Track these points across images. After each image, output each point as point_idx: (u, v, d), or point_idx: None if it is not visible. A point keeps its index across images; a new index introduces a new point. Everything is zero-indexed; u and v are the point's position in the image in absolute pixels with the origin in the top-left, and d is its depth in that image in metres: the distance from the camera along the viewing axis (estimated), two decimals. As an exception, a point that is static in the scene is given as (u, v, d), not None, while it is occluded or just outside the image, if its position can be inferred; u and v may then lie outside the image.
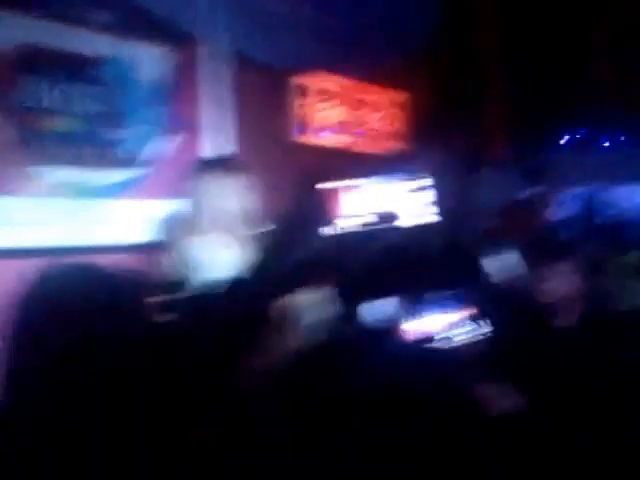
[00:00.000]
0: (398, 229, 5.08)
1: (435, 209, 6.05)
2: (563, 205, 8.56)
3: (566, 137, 8.92)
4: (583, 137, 8.88)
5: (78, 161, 4.32)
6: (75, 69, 4.31)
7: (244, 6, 5.04)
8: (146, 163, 4.71)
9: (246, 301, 2.67)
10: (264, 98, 5.81)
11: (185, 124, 5.02)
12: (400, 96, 7.03)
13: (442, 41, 7.13)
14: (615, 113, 8.17)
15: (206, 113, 5.17)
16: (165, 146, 4.86)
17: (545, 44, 8.20)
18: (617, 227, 6.89)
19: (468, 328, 3.52)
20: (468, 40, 7.80)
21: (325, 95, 6.21)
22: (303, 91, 6.03)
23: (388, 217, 5.20)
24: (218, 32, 5.03)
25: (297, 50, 5.58)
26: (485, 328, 3.24)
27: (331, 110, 6.24)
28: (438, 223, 5.95)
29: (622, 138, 8.63)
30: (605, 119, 8.43)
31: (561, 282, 4.55)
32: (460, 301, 3.89)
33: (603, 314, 3.96)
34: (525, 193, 7.94)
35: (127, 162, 4.60)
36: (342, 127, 6.40)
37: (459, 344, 3.64)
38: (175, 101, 4.94)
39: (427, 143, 6.89)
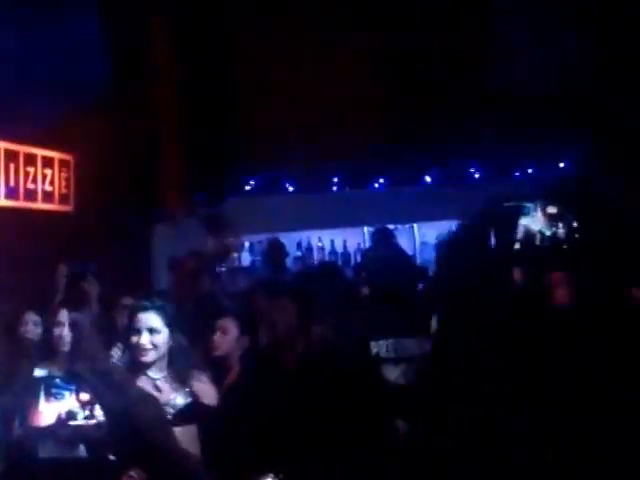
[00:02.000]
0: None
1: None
2: (247, 252, 8.86)
3: (250, 183, 9.23)
4: (266, 183, 9.23)
5: None
6: None
7: None
8: None
9: None
10: None
11: None
12: (69, 156, 7.00)
13: (114, 96, 7.12)
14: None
15: None
16: None
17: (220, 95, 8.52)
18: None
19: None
20: (141, 93, 7.85)
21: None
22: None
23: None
24: None
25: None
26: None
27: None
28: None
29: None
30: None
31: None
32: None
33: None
34: (207, 243, 8.11)
35: None
36: (9, 187, 6.20)
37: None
38: None
39: (96, 202, 6.90)
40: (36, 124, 6.11)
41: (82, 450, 4.02)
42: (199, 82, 8.29)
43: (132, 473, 3.78)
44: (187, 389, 3.74)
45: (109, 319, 5.49)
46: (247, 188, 9.19)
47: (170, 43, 8.29)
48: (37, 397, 3.68)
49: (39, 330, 5.01)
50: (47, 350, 4.63)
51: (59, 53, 6.11)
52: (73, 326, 4.42)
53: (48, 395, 3.06)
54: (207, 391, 3.80)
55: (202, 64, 8.29)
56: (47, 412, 3.64)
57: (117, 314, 5.43)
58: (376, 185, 9.33)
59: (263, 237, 8.59)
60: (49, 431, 3.87)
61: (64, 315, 4.66)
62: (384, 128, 8.34)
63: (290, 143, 8.38)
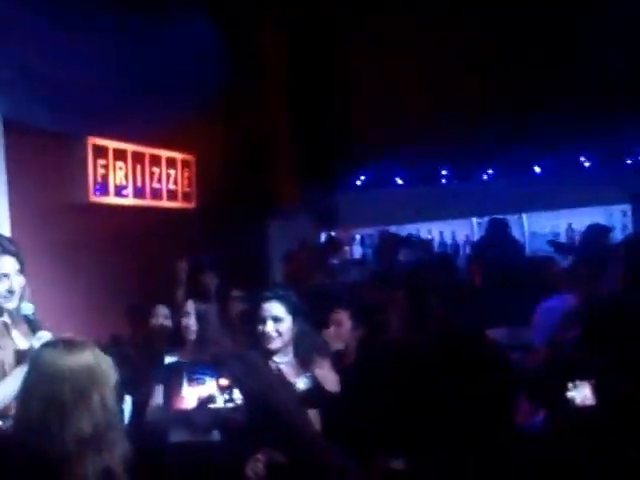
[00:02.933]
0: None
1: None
2: (357, 245, 9.03)
3: (360, 178, 9.38)
4: (376, 177, 9.35)
5: None
6: None
7: (22, 77, 5.06)
8: None
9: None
10: (56, 163, 5.86)
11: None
12: (191, 156, 7.33)
13: (231, 98, 7.37)
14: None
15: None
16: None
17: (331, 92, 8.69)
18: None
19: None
20: (256, 93, 8.10)
21: (121, 156, 6.36)
22: (101, 152, 6.14)
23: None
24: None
25: (88, 114, 5.68)
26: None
27: (126, 171, 6.39)
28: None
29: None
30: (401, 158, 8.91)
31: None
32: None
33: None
34: (319, 237, 8.35)
35: None
36: (137, 187, 6.57)
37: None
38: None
39: (215, 200, 7.20)
40: (160, 127, 6.40)
41: (215, 435, 4.27)
42: (311, 81, 8.47)
43: (259, 456, 4.00)
44: (309, 375, 3.94)
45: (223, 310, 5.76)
46: (358, 182, 9.35)
47: (282, 43, 8.51)
48: (179, 383, 3.91)
49: (168, 321, 5.33)
50: (176, 339, 4.93)
51: (179, 58, 6.38)
52: (199, 316, 4.69)
53: (190, 380, 3.21)
54: (328, 377, 3.95)
55: (313, 62, 8.46)
56: (189, 396, 3.86)
57: (229, 305, 5.70)
58: (485, 177, 9.33)
59: (374, 230, 8.75)
60: (184, 416, 4.13)
61: (191, 306, 4.94)
62: (493, 120, 8.32)
63: (400, 137, 8.46)
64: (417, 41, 8.36)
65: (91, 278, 5.97)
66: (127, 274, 5.75)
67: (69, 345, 2.74)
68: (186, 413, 4.00)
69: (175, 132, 6.67)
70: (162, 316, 5.39)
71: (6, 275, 3.37)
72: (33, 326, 3.35)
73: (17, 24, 4.95)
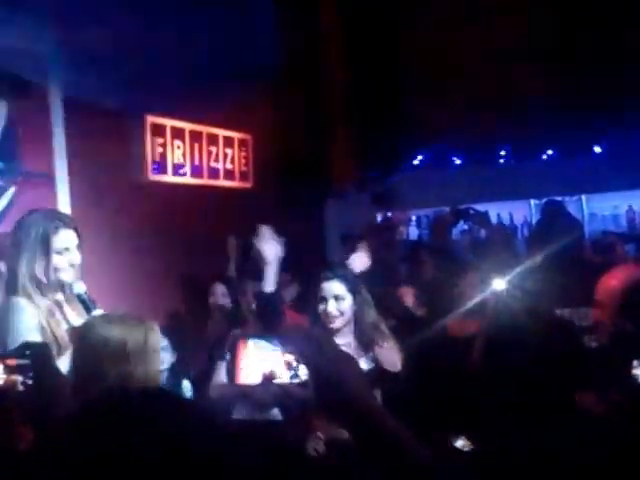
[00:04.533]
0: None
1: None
2: (415, 226, 8.98)
3: (418, 158, 9.29)
4: (434, 157, 9.27)
5: None
6: None
7: (83, 56, 5.11)
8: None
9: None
10: (114, 141, 5.90)
11: (37, 175, 5.07)
12: (248, 135, 7.30)
13: (289, 79, 7.36)
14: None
15: (56, 162, 5.22)
16: (15, 198, 4.88)
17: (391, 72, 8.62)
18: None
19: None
20: (314, 73, 8.08)
21: (179, 135, 6.38)
22: (159, 131, 6.16)
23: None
24: (59, 82, 5.08)
25: (147, 93, 5.71)
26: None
27: (184, 149, 6.42)
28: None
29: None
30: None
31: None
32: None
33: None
34: (377, 218, 8.31)
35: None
36: (194, 166, 6.58)
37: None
38: (24, 154, 4.98)
39: (272, 179, 7.19)
40: (217, 106, 6.41)
41: (275, 413, 4.28)
42: (368, 60, 8.41)
43: (319, 434, 4.01)
44: (370, 355, 3.92)
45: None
46: (415, 162, 9.27)
47: (342, 23, 8.46)
48: (245, 357, 3.90)
49: (227, 299, 5.36)
50: (236, 317, 4.95)
51: (236, 39, 6.37)
52: (257, 295, 4.69)
53: (256, 355, 3.20)
54: (389, 357, 3.94)
55: (370, 41, 8.40)
56: (253, 371, 3.85)
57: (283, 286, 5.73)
58: (544, 157, 9.18)
59: (430, 211, 8.69)
60: (248, 392, 4.14)
61: (249, 285, 4.95)
62: (554, 100, 8.20)
63: (458, 116, 8.38)
64: (480, 23, 8.26)
65: (148, 257, 6.02)
66: (184, 253, 5.78)
67: (119, 320, 2.75)
68: (250, 388, 4.01)
69: (232, 111, 6.67)
70: (220, 294, 5.42)
71: (67, 249, 3.39)
72: (86, 305, 3.36)
73: (80, 4, 4.98)
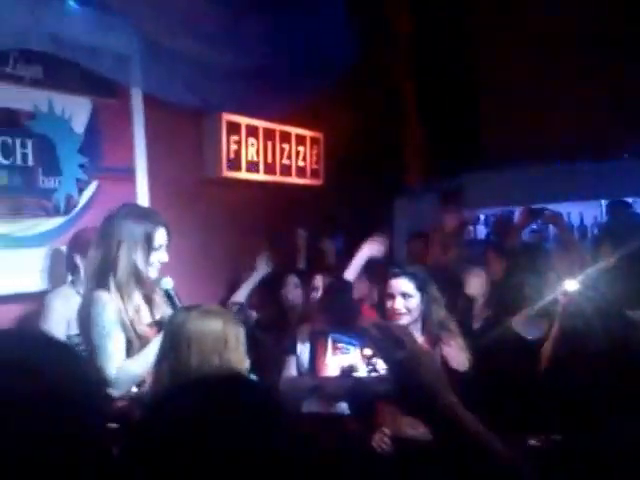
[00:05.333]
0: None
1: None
2: (483, 225, 8.94)
3: (488, 157, 9.23)
4: (504, 156, 9.19)
5: (11, 212, 4.49)
6: (6, 123, 4.47)
7: (164, 55, 5.24)
8: (79, 210, 4.91)
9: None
10: (190, 138, 6.06)
11: (117, 170, 5.25)
12: (319, 133, 7.41)
13: (362, 78, 7.42)
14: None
15: (136, 159, 5.39)
16: (97, 193, 5.05)
17: (459, 70, 8.60)
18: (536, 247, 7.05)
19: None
20: (384, 71, 8.12)
21: (253, 133, 6.51)
22: (234, 129, 6.29)
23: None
24: (140, 80, 5.22)
25: (223, 91, 5.83)
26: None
27: (258, 147, 6.54)
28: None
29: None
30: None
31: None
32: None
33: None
34: (444, 216, 8.27)
35: (60, 210, 4.79)
36: (267, 163, 6.71)
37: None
38: (106, 149, 5.16)
39: (342, 177, 7.26)
40: (290, 105, 6.50)
41: (343, 407, 4.35)
42: (439, 58, 8.41)
43: (385, 429, 4.06)
44: (437, 353, 3.95)
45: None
46: (485, 162, 9.19)
47: (411, 21, 8.48)
48: (324, 351, 3.98)
49: (299, 291, 5.46)
50: (307, 311, 5.05)
51: (310, 39, 6.43)
52: (327, 289, 4.77)
53: (335, 349, 3.26)
54: (457, 356, 3.97)
55: (441, 40, 8.40)
56: (332, 364, 3.93)
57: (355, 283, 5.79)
58: (618, 158, 9.01)
59: (499, 210, 8.64)
60: (318, 386, 4.21)
61: (319, 280, 5.04)
62: (631, 100, 8.07)
63: (530, 117, 8.32)
64: (554, 24, 8.18)
65: (221, 252, 6.15)
66: (256, 249, 5.87)
67: (202, 311, 2.86)
68: (326, 381, 4.09)
69: (304, 109, 6.77)
70: (293, 285, 5.52)
71: (161, 246, 3.53)
72: (172, 301, 3.47)
73: (161, 4, 5.11)
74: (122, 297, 3.41)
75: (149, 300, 3.57)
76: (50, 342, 1.40)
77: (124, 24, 4.95)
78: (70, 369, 1.32)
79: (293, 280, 5.51)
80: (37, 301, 4.37)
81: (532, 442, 2.88)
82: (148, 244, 3.46)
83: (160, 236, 3.54)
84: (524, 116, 8.42)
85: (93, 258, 3.51)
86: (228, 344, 2.74)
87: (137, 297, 3.48)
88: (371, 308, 4.93)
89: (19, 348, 1.31)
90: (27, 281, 4.55)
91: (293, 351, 4.36)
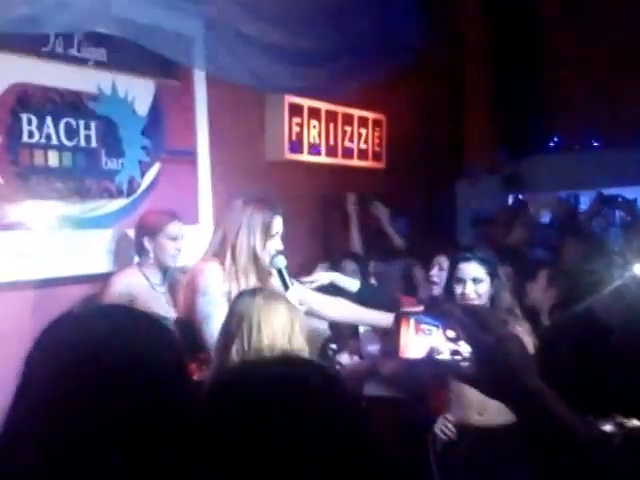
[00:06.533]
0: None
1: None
2: (547, 210, 8.77)
3: (554, 139, 9.07)
4: (569, 139, 9.01)
5: (75, 194, 4.52)
6: (70, 105, 4.50)
7: (228, 36, 5.21)
8: (142, 192, 4.94)
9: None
10: (253, 120, 6.04)
11: (180, 153, 5.25)
12: (381, 116, 7.30)
13: (427, 61, 7.33)
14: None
15: (199, 141, 5.39)
16: (159, 175, 5.07)
17: (524, 56, 8.45)
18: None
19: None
20: (448, 53, 8.02)
21: (315, 115, 6.47)
22: (296, 111, 6.26)
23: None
24: (203, 62, 5.20)
25: (283, 73, 5.79)
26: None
27: (319, 129, 6.50)
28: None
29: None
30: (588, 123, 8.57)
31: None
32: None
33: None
34: (509, 200, 8.18)
35: (123, 192, 4.81)
36: (329, 145, 6.67)
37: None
38: (169, 131, 5.16)
39: (404, 159, 7.17)
40: (352, 86, 6.43)
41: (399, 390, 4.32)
42: (505, 41, 8.28)
43: (448, 416, 4.01)
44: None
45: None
46: (550, 144, 9.05)
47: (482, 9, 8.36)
48: (406, 332, 3.94)
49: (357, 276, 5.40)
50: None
51: (373, 20, 6.36)
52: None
53: (418, 330, 3.23)
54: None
55: (508, 21, 8.26)
56: (415, 346, 3.88)
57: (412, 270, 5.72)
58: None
59: (563, 194, 8.47)
60: (410, 365, 4.17)
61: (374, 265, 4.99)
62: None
63: (598, 98, 8.15)
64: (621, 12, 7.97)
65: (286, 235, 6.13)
66: (319, 232, 5.85)
67: (268, 294, 2.84)
68: (407, 364, 4.05)
69: (367, 92, 6.69)
70: (350, 271, 5.45)
71: (277, 233, 3.62)
72: (284, 280, 3.52)
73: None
74: (237, 278, 3.45)
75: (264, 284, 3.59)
76: (141, 315, 1.44)
77: (188, 6, 4.92)
78: (160, 339, 1.36)
79: (350, 266, 5.42)
80: (102, 282, 4.38)
81: (608, 427, 2.78)
82: (266, 231, 3.51)
83: (277, 224, 3.61)
84: (591, 99, 8.23)
85: (213, 240, 3.61)
86: (294, 328, 2.73)
87: (252, 281, 3.50)
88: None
89: (114, 322, 1.35)
90: (92, 262, 4.58)
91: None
